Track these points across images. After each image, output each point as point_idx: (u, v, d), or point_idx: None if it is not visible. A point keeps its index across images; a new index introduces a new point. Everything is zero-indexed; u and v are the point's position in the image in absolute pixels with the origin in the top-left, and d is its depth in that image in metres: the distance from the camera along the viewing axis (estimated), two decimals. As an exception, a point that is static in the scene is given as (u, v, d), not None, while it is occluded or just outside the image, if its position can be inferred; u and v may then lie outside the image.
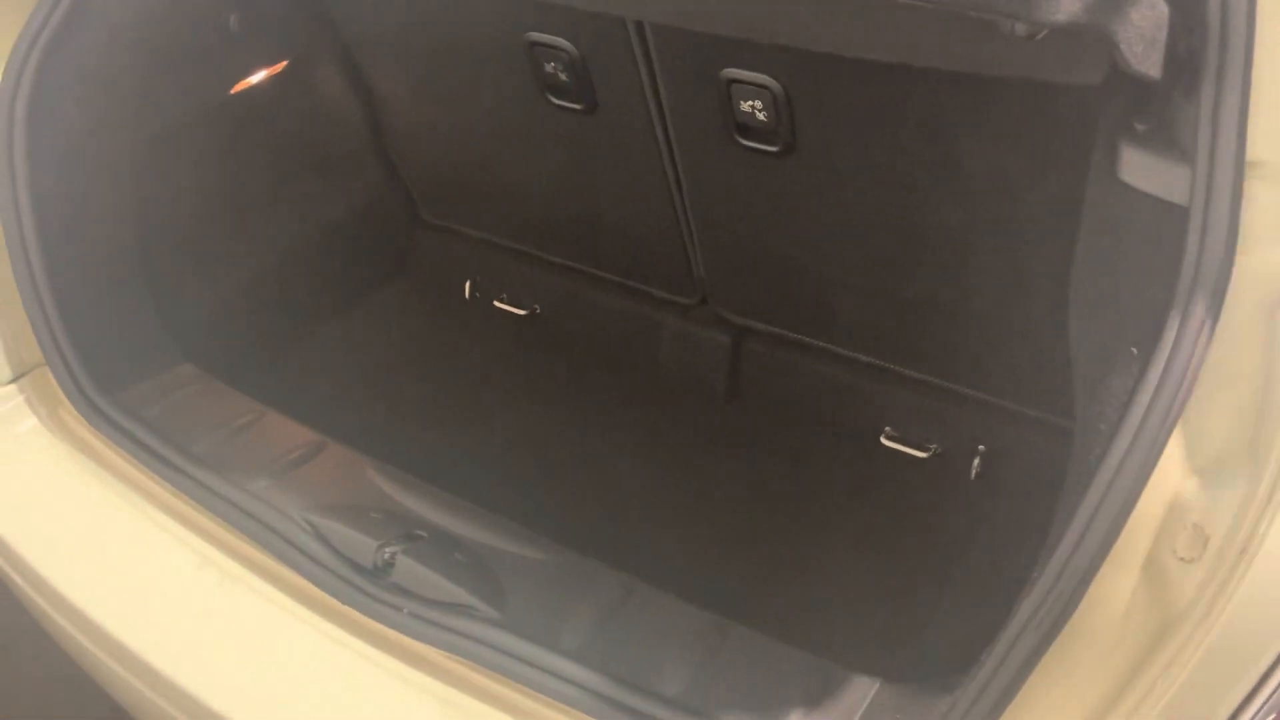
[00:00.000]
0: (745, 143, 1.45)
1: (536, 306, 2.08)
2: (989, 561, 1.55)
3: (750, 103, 1.38)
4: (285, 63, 1.82)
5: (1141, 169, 0.92)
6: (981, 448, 1.66)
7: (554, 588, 1.22)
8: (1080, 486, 0.83)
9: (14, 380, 1.44)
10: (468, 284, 2.14)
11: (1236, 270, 0.80)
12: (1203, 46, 0.83)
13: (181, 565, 1.25)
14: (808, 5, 0.99)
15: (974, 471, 1.67)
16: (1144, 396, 0.80)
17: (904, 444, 1.72)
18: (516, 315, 2.08)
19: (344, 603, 1.17)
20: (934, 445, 1.70)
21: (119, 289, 1.55)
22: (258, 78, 1.77)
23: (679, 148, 1.55)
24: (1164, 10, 0.83)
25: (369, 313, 2.11)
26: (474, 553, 1.24)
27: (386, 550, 1.19)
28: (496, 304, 2.11)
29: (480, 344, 2.07)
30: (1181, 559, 0.78)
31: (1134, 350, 0.86)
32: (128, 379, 1.48)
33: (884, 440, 1.74)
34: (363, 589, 1.17)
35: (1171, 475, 0.81)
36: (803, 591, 1.57)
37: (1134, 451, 0.79)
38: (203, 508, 1.28)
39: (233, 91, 1.74)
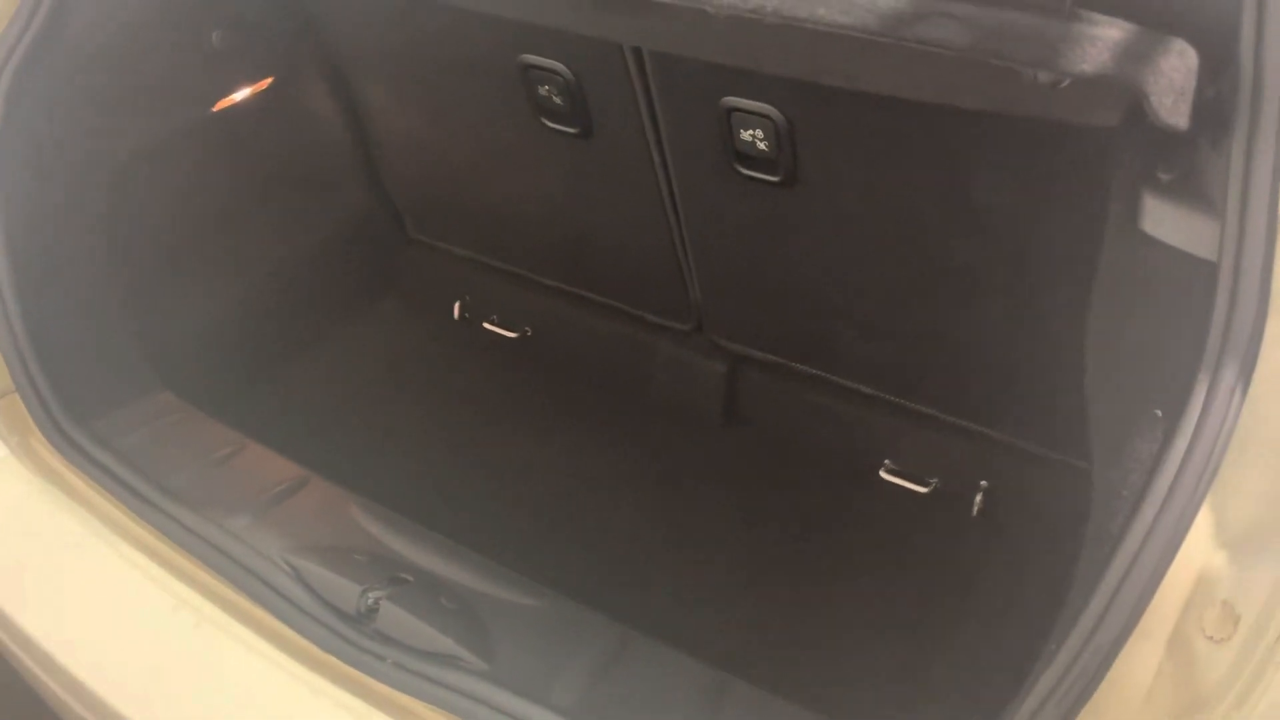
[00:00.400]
0: (745, 172, 1.41)
1: (527, 329, 2.03)
2: (993, 605, 1.51)
3: (751, 131, 1.34)
4: (270, 80, 1.77)
5: (1165, 220, 0.88)
6: (984, 484, 1.62)
7: (544, 637, 1.18)
8: (1103, 556, 0.79)
9: (-18, 407, 1.39)
10: (457, 304, 2.09)
11: (1269, 332, 0.76)
12: (1234, 93, 0.79)
13: (156, 607, 1.20)
14: (814, 39, 0.95)
15: (976, 508, 1.63)
16: (1171, 465, 0.76)
17: (904, 478, 1.68)
18: (507, 338, 2.04)
19: (325, 650, 1.12)
20: (935, 480, 1.66)
21: (94, 312, 1.51)
22: (242, 95, 1.73)
23: (676, 175, 1.51)
24: (1194, 59, 0.79)
25: (356, 334, 2.06)
26: (461, 598, 1.20)
27: (370, 595, 1.15)
28: (486, 325, 2.06)
29: (469, 367, 2.02)
30: (1210, 638, 0.74)
31: (1158, 413, 0.82)
32: (102, 407, 1.43)
33: (883, 474, 1.70)
34: (345, 636, 1.12)
35: (1199, 547, 0.77)
36: (801, 636, 1.53)
37: (1160, 524, 0.75)
38: (179, 546, 1.23)
39: (215, 109, 1.69)
